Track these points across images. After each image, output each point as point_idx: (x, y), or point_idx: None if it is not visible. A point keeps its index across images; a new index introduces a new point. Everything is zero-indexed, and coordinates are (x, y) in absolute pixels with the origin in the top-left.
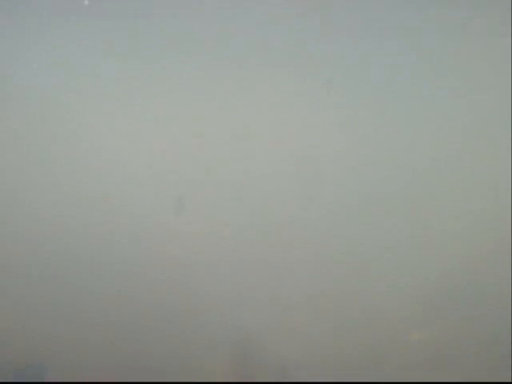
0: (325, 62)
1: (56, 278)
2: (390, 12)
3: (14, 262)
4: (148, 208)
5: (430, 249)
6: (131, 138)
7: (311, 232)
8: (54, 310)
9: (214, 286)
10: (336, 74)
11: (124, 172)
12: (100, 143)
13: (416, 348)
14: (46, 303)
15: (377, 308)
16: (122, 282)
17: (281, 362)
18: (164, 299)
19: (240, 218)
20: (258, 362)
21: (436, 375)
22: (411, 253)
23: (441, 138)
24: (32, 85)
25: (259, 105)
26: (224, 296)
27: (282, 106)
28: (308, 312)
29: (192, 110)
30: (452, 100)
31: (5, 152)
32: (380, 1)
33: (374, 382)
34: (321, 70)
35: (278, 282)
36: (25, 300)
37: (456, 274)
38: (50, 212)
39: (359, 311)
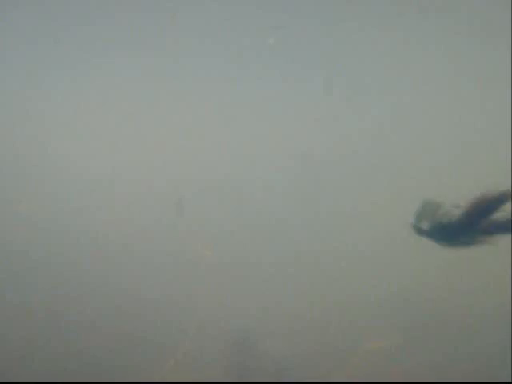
0: (325, 61)
1: (58, 280)
2: (390, 11)
3: None
4: (148, 208)
5: (429, 249)
6: (131, 139)
7: (309, 235)
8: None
9: (213, 285)
10: (336, 73)
11: (124, 172)
12: (100, 144)
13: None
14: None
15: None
16: (122, 282)
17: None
18: (163, 299)
19: (240, 218)
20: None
21: (436, 375)
22: (411, 252)
23: (442, 138)
24: (29, 84)
25: (259, 106)
26: (224, 296)
27: (282, 106)
28: (303, 309)
29: (192, 111)
30: (453, 100)
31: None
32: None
33: (373, 382)
34: (321, 69)
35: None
36: None
37: (457, 274)
38: (48, 212)
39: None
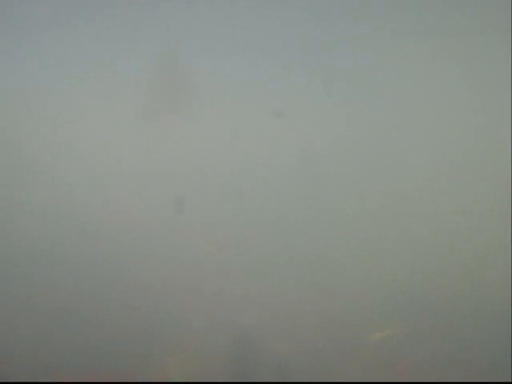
0: (325, 60)
1: (56, 278)
2: (390, 11)
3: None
4: (148, 208)
5: (428, 248)
6: (132, 138)
7: (311, 232)
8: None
9: (213, 285)
10: (336, 73)
11: (125, 172)
12: (100, 143)
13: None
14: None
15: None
16: (122, 281)
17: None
18: (164, 299)
19: (240, 217)
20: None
21: (436, 375)
22: (410, 250)
23: (442, 138)
24: (31, 82)
25: (260, 105)
26: (223, 295)
27: (282, 105)
28: (303, 310)
29: (191, 109)
30: (453, 100)
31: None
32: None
33: (373, 382)
34: (321, 68)
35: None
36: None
37: (458, 273)
38: (50, 212)
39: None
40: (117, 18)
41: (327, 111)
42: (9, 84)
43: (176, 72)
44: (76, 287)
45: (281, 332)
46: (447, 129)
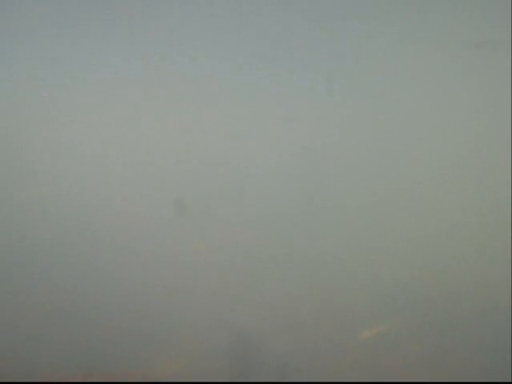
0: (325, 59)
1: (55, 280)
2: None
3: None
4: (148, 208)
5: (428, 247)
6: (131, 137)
7: (311, 232)
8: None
9: (213, 285)
10: (337, 72)
11: (124, 171)
12: (99, 143)
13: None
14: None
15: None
16: (121, 282)
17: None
18: (163, 298)
19: (239, 217)
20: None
21: (436, 375)
22: (410, 249)
23: (444, 138)
24: (30, 82)
25: (259, 103)
26: (223, 295)
27: (282, 104)
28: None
29: (191, 109)
30: (453, 99)
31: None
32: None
33: (372, 382)
34: (321, 68)
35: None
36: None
37: (457, 272)
38: (49, 212)
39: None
40: (117, 17)
41: (328, 111)
42: (9, 84)
43: (176, 72)
44: (74, 287)
45: (280, 332)
46: (449, 129)
